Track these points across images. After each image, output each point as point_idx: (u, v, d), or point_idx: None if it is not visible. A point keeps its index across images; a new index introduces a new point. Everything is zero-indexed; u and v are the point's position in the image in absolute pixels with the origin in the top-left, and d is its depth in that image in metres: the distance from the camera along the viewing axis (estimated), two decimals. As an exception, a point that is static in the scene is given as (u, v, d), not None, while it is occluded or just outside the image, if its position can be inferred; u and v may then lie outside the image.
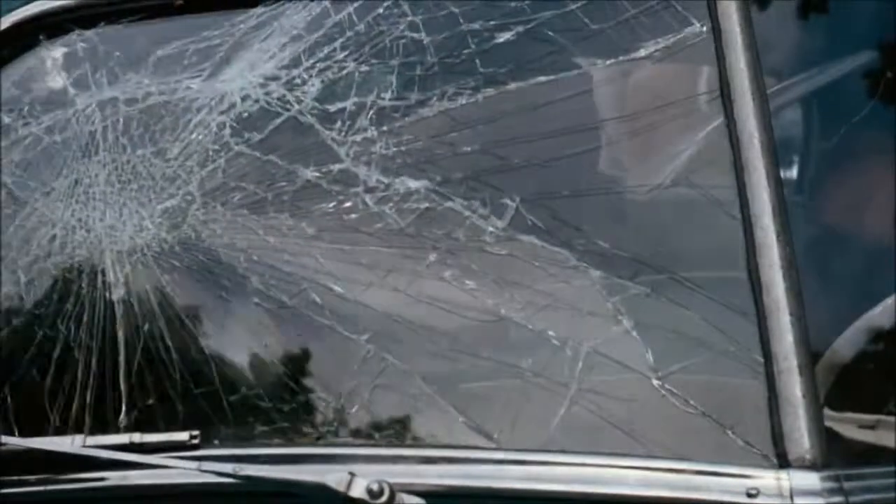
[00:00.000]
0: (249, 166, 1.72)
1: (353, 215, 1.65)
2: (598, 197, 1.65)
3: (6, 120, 1.90)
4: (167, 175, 1.77)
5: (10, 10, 1.97)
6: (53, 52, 1.91)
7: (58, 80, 1.90)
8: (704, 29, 1.61)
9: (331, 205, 1.67)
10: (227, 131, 1.74)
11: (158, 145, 1.79)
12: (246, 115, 1.74)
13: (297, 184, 1.69)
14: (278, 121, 1.73)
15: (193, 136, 1.76)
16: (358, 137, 1.68)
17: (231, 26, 1.81)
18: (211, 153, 1.74)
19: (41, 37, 1.94)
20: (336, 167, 1.67)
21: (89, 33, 1.90)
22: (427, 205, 1.62)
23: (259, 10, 1.80)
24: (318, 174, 1.68)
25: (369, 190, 1.65)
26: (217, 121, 1.75)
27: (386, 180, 1.64)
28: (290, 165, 1.70)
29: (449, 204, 1.62)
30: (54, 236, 1.82)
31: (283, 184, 1.70)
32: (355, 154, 1.67)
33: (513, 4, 1.70)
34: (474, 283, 1.58)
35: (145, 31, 1.88)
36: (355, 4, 1.75)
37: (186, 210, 1.75)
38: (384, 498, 1.44)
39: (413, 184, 1.63)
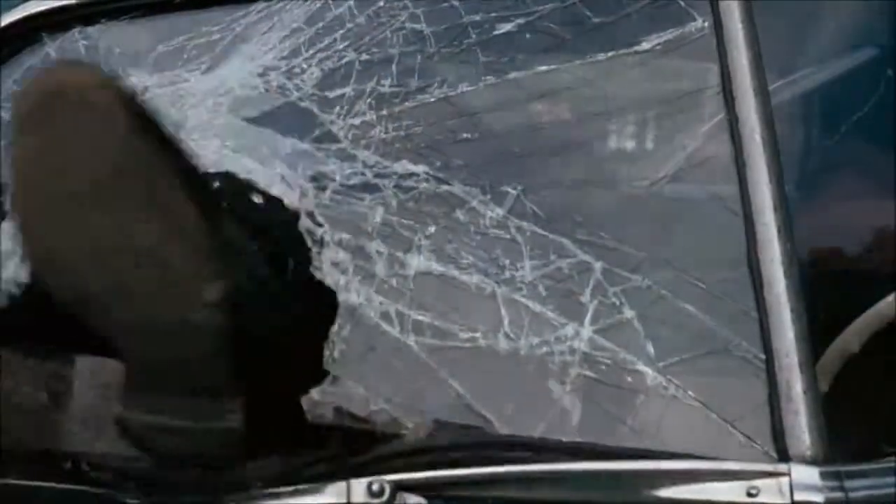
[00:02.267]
0: (242, 134, 1.72)
1: (351, 181, 1.65)
2: (599, 190, 1.65)
3: (5, 117, 1.90)
4: None
5: (10, 8, 1.97)
6: (53, 48, 1.91)
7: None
8: (706, 24, 1.61)
9: (328, 168, 1.66)
10: (224, 109, 1.75)
11: None
12: (243, 97, 1.75)
13: (293, 151, 1.69)
14: (276, 104, 1.74)
15: (188, 113, 1.76)
16: (357, 121, 1.67)
17: (231, 21, 1.81)
18: (204, 124, 1.74)
19: (42, 34, 1.94)
20: (334, 146, 1.68)
21: (90, 30, 1.90)
22: (426, 185, 1.62)
23: (260, 5, 1.80)
24: (314, 147, 1.69)
25: (368, 166, 1.65)
26: (214, 101, 1.75)
27: (385, 163, 1.64)
28: (285, 138, 1.70)
29: (448, 188, 1.62)
30: None
31: (278, 149, 1.70)
32: (354, 137, 1.67)
33: (514, -2, 1.71)
34: (474, 260, 1.58)
35: (146, 28, 1.88)
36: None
37: None
38: (384, 497, 1.44)
39: (412, 168, 1.63)
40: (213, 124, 1.74)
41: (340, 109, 1.69)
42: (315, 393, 1.56)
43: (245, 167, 1.69)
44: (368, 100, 1.68)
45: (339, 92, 1.70)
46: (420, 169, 1.62)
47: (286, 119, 1.72)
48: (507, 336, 1.53)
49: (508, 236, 1.58)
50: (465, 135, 1.65)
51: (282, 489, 1.50)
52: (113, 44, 1.88)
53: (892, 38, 1.92)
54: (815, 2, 1.92)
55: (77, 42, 1.90)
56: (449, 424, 1.53)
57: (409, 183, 1.62)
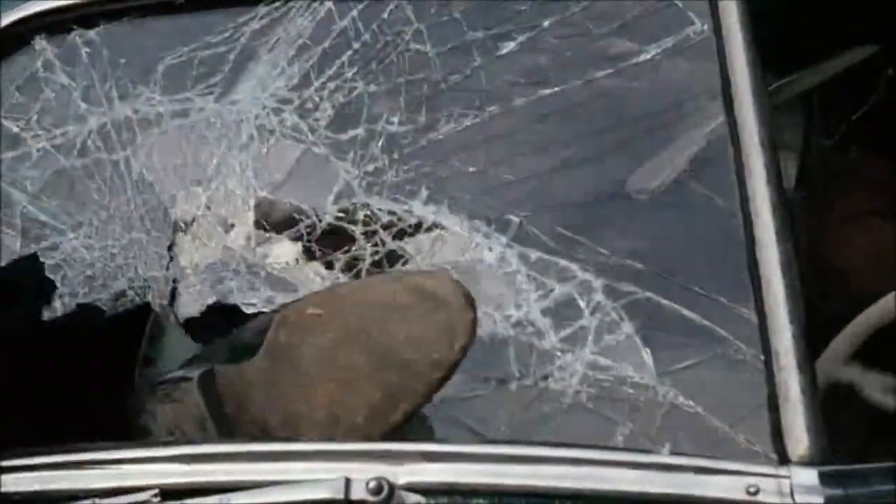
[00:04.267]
0: (274, 210, 1.77)
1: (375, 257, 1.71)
2: (600, 203, 1.66)
3: (14, 129, 1.90)
4: (206, 229, 1.81)
5: (10, 9, 1.97)
6: (56, 54, 1.90)
7: (64, 89, 1.89)
8: (706, 28, 1.61)
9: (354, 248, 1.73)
10: (250, 173, 1.77)
11: (188, 189, 1.82)
12: (265, 150, 1.77)
13: (320, 228, 1.74)
14: (295, 155, 1.76)
15: (219, 178, 1.78)
16: (370, 167, 1.71)
17: (235, 29, 1.81)
18: (240, 202, 1.78)
19: (42, 36, 1.93)
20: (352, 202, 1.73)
21: (91, 33, 1.89)
22: (437, 232, 1.65)
23: (261, 9, 1.80)
24: (337, 215, 1.73)
25: (386, 227, 1.70)
26: (239, 159, 1.77)
27: (396, 208, 1.67)
28: (311, 206, 1.74)
29: (456, 227, 1.65)
30: (92, 276, 1.85)
31: (308, 226, 1.75)
32: (368, 185, 1.71)
33: (515, 7, 1.70)
34: (480, 287, 1.60)
35: (147, 33, 1.87)
36: (359, 7, 1.75)
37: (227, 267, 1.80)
38: (383, 495, 1.44)
39: (421, 210, 1.67)
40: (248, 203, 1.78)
41: (354, 156, 1.72)
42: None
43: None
44: (380, 142, 1.71)
45: (351, 133, 1.73)
46: (428, 210, 1.66)
47: (307, 177, 1.75)
48: (516, 378, 1.57)
49: (512, 268, 1.59)
50: (471, 168, 1.68)
51: (281, 485, 1.50)
52: (114, 47, 1.88)
53: (892, 37, 1.92)
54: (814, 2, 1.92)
55: (77, 44, 1.90)
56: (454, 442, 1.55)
57: (421, 235, 1.67)
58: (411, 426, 1.59)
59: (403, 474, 1.47)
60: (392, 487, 1.45)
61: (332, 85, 1.75)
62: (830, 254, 1.90)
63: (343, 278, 1.72)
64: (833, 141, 2.01)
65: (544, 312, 1.58)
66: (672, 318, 1.52)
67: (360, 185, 1.71)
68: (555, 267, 1.58)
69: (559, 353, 1.55)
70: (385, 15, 1.73)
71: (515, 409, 1.56)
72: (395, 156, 1.70)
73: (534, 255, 1.61)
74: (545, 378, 1.55)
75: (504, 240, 1.62)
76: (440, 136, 1.69)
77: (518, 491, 1.46)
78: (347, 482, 1.45)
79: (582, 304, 1.56)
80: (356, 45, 1.73)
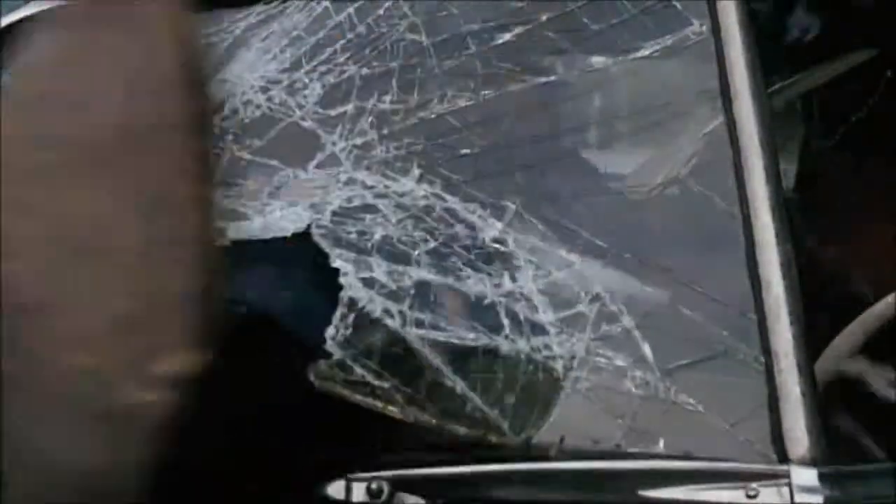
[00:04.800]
0: (250, 167, 1.73)
1: (353, 203, 1.66)
2: (598, 197, 1.65)
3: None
4: None
5: (10, 9, 1.97)
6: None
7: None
8: (704, 28, 1.61)
9: (328, 197, 1.67)
10: (230, 137, 1.75)
11: None
12: (247, 121, 1.75)
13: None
14: (279, 126, 1.74)
15: None
16: (358, 141, 1.69)
17: (231, 24, 1.81)
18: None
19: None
20: (337, 171, 1.69)
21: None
22: (425, 203, 1.63)
23: (259, 7, 1.80)
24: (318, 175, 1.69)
25: (368, 187, 1.66)
26: (219, 126, 1.76)
27: (386, 183, 1.65)
28: (290, 167, 1.71)
29: (447, 205, 1.63)
30: None
31: (284, 181, 1.71)
32: (356, 158, 1.68)
33: (512, 5, 1.70)
34: (472, 272, 1.59)
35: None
36: (356, 5, 1.75)
37: None
38: (383, 497, 1.44)
39: (412, 187, 1.64)
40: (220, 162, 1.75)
41: (342, 129, 1.70)
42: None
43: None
44: (370, 118, 1.69)
45: (340, 110, 1.71)
46: (420, 188, 1.64)
47: (289, 144, 1.73)
48: (507, 338, 1.54)
49: (507, 250, 1.58)
50: (464, 150, 1.66)
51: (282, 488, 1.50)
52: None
53: (892, 37, 1.92)
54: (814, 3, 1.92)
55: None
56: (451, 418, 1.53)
57: (407, 201, 1.63)
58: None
59: (403, 475, 1.46)
60: (392, 489, 1.45)
61: (323, 68, 1.74)
62: (830, 254, 1.91)
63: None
64: (833, 141, 2.02)
65: (542, 292, 1.57)
66: (671, 314, 1.51)
67: (347, 157, 1.69)
68: (552, 255, 1.58)
69: (555, 331, 1.55)
70: (381, 11, 1.73)
71: (509, 390, 1.54)
72: (385, 132, 1.69)
73: (530, 242, 1.60)
74: (540, 350, 1.54)
75: (500, 226, 1.61)
76: (432, 116, 1.68)
77: (519, 493, 1.46)
78: (348, 484, 1.45)
79: (581, 292, 1.56)
80: (350, 36, 1.73)
